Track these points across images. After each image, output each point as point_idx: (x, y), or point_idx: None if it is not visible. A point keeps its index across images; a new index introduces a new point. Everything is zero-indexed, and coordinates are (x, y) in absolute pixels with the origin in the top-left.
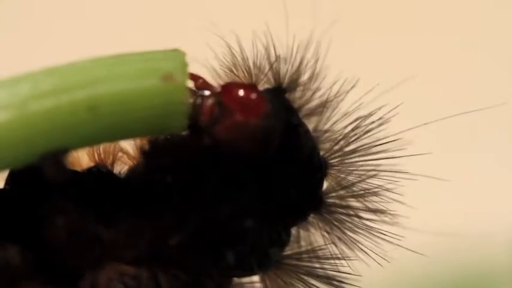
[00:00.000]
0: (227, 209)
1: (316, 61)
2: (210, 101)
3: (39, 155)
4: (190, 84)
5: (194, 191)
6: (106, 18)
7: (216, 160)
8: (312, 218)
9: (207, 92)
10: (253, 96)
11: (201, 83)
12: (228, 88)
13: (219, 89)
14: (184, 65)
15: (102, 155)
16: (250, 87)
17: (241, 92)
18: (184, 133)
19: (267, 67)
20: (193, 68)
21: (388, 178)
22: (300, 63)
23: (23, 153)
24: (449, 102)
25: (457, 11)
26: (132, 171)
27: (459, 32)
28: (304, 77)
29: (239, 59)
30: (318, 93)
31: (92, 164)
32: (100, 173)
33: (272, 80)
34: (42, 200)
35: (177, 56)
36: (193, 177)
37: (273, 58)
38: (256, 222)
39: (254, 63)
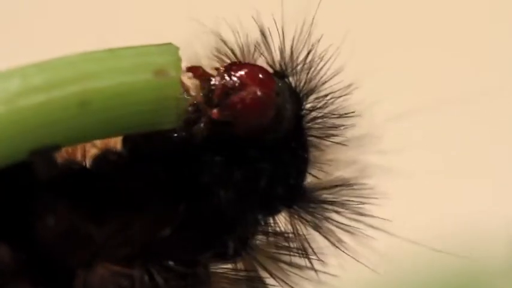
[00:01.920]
0: (221, 195)
1: (311, 47)
2: (219, 80)
3: (30, 151)
4: (189, 76)
5: (182, 180)
6: (94, 11)
7: (208, 148)
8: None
9: (214, 73)
10: (263, 71)
11: (201, 73)
12: (237, 66)
13: (225, 70)
14: (178, 59)
15: (70, 150)
16: (257, 65)
17: (250, 68)
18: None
19: (262, 52)
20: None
21: (380, 175)
22: (293, 48)
23: (13, 149)
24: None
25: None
26: (112, 164)
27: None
28: (299, 61)
29: (232, 46)
30: (314, 78)
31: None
32: (76, 169)
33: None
34: (33, 197)
35: (170, 50)
36: (182, 166)
37: (265, 44)
38: (249, 209)
39: (247, 49)
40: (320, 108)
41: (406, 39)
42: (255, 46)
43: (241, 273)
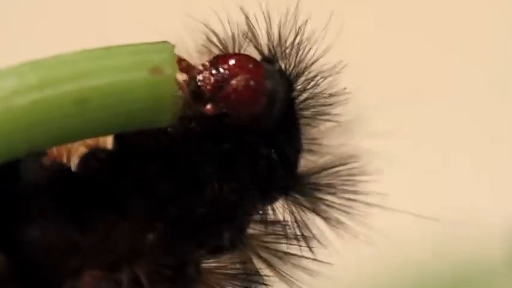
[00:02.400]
0: (219, 187)
1: (298, 30)
2: (208, 74)
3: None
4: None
5: (174, 177)
6: (88, 8)
7: (203, 141)
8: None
9: (200, 67)
10: (250, 59)
11: (184, 66)
12: (223, 58)
13: (211, 64)
14: (173, 57)
15: (55, 152)
16: (242, 53)
17: (237, 58)
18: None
19: (250, 39)
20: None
21: (379, 167)
22: (280, 32)
23: (9, 148)
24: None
25: None
26: (100, 163)
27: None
28: (287, 45)
29: (220, 37)
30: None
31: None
32: (60, 171)
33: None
34: (18, 204)
35: (166, 48)
36: (175, 162)
37: (252, 31)
38: (247, 197)
39: (235, 39)
40: (310, 89)
41: (395, 19)
42: (243, 34)
43: (235, 268)
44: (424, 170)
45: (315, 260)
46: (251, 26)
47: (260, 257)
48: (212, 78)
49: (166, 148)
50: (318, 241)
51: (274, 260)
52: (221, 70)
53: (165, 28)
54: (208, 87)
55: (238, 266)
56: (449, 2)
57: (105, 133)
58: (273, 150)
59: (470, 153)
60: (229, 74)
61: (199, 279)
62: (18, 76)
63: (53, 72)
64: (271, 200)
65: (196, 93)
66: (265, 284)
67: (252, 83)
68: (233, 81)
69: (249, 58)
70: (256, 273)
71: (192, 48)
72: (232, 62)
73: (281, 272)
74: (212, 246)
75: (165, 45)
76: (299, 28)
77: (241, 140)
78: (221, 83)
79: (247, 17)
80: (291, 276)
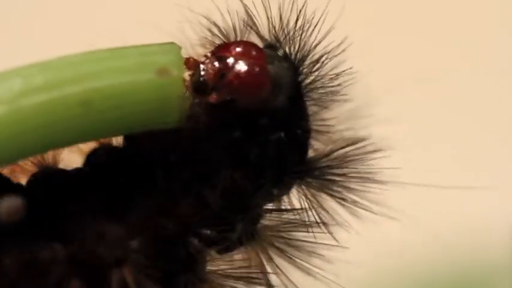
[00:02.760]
0: (234, 176)
1: (299, 13)
2: (209, 64)
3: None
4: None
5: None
6: (93, 9)
7: (215, 133)
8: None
9: (202, 59)
10: (249, 44)
11: (192, 62)
12: (223, 47)
13: (212, 55)
14: (180, 58)
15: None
16: (243, 41)
17: (236, 45)
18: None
19: (252, 27)
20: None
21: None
22: (281, 16)
23: (15, 149)
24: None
25: None
26: (100, 162)
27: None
28: (289, 29)
29: (222, 28)
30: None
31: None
32: (52, 176)
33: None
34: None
35: (173, 49)
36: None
37: (252, 18)
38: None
39: (237, 29)
40: (316, 71)
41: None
42: (243, 23)
43: (240, 269)
44: (426, 172)
45: (331, 245)
46: (251, 14)
47: (275, 247)
48: (214, 68)
49: (175, 146)
50: (334, 225)
51: (290, 249)
52: (222, 59)
53: (166, 22)
54: (210, 77)
55: (243, 267)
56: None
57: (111, 134)
58: (283, 135)
59: (470, 152)
60: (230, 61)
61: (205, 279)
62: (25, 78)
63: (59, 74)
64: (286, 187)
65: (200, 86)
66: (270, 286)
67: (253, 67)
68: (234, 68)
69: (248, 44)
70: (262, 275)
71: (195, 42)
72: (232, 49)
73: (297, 261)
74: (223, 242)
75: (172, 47)
76: (300, 11)
77: (251, 127)
78: (223, 70)
79: (246, 6)
80: (307, 264)
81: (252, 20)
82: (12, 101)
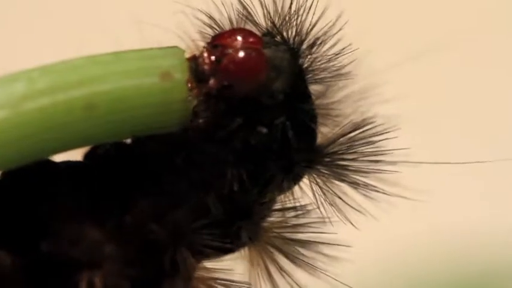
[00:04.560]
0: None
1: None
2: (206, 53)
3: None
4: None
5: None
6: (97, 13)
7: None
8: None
9: (200, 51)
10: (241, 29)
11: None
12: (217, 36)
13: (208, 44)
14: (183, 62)
15: None
16: (237, 28)
17: (229, 32)
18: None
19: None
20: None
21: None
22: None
23: (18, 153)
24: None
25: None
26: (100, 156)
27: None
28: (283, 16)
29: (214, 19)
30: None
31: None
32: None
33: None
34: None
35: (176, 53)
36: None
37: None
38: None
39: (233, 20)
40: (315, 53)
41: None
42: (238, 14)
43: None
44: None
45: (335, 244)
46: (245, 5)
47: (277, 248)
48: (209, 56)
49: (179, 148)
50: (339, 222)
51: (293, 249)
52: (217, 46)
53: (165, 19)
54: (207, 66)
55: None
56: None
57: (114, 138)
58: (287, 120)
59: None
60: (225, 47)
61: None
62: (28, 81)
63: (62, 78)
64: (296, 178)
65: (198, 74)
66: None
67: (247, 50)
68: (229, 52)
69: (242, 29)
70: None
71: (193, 36)
72: (226, 36)
73: (300, 261)
74: (218, 254)
75: (175, 50)
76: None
77: (253, 114)
78: (219, 57)
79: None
80: (311, 264)
81: (246, 9)
82: (15, 105)
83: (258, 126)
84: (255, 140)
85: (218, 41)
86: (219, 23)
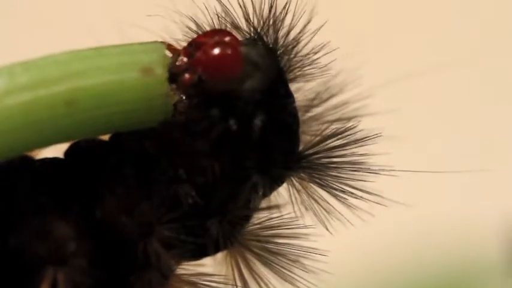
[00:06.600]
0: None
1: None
2: (183, 52)
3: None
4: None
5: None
6: (79, 8)
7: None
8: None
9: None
10: (218, 29)
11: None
12: (197, 36)
13: (187, 43)
14: (164, 57)
15: None
16: (213, 28)
17: (205, 32)
18: None
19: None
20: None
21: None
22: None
23: (0, 148)
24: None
25: None
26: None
27: None
28: (263, 18)
29: (196, 22)
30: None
31: None
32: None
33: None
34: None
35: (157, 48)
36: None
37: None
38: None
39: (215, 23)
40: (294, 53)
41: None
42: (219, 17)
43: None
44: (418, 171)
45: (315, 250)
46: (226, 9)
47: (255, 254)
48: (186, 51)
49: (155, 142)
50: (319, 226)
51: (271, 256)
52: (192, 44)
53: (149, 21)
54: (182, 60)
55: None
56: None
57: (96, 133)
58: (265, 118)
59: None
60: (201, 44)
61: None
62: (9, 76)
63: (44, 73)
64: (274, 182)
65: (173, 69)
66: None
67: (221, 45)
68: (202, 46)
69: (220, 30)
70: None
71: (177, 39)
72: (202, 35)
73: (279, 269)
74: (190, 247)
75: (156, 46)
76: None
77: (229, 108)
78: (193, 52)
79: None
80: (290, 272)
81: (227, 13)
82: None
83: (231, 122)
84: (230, 135)
85: (197, 39)
86: (201, 25)
